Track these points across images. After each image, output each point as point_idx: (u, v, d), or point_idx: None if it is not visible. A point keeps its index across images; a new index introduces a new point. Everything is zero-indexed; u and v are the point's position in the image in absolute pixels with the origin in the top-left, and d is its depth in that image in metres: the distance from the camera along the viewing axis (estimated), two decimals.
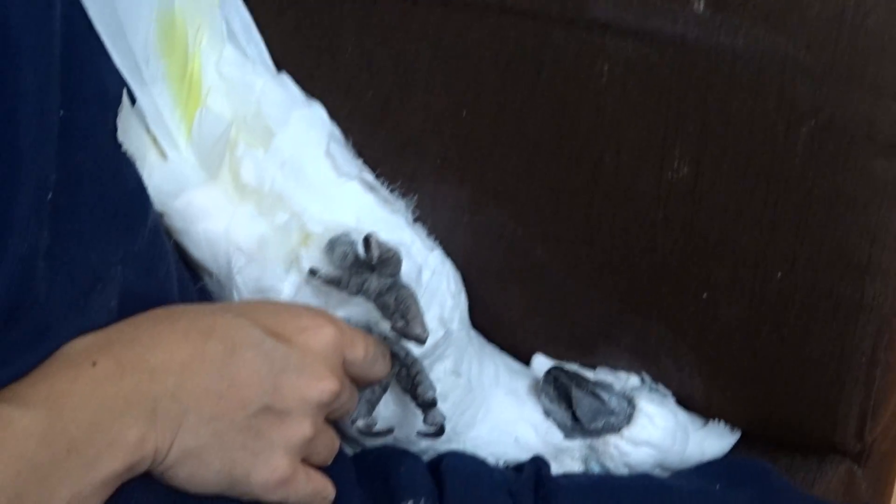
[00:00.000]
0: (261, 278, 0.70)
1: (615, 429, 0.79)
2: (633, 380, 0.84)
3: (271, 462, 0.59)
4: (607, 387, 0.80)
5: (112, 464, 0.52)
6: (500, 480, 0.74)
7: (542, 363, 0.84)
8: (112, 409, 0.53)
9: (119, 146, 0.63)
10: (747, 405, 0.83)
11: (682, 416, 0.83)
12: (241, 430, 0.57)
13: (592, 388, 0.79)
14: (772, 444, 0.84)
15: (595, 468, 0.81)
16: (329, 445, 0.65)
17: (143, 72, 0.66)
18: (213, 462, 0.57)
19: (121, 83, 0.64)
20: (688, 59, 0.70)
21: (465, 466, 0.76)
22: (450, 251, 0.79)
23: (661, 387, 0.84)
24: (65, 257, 0.56)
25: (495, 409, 0.80)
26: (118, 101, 0.62)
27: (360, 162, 0.78)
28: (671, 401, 0.83)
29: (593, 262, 0.79)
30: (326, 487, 0.64)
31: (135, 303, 0.60)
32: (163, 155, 0.68)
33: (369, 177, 0.77)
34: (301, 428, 0.60)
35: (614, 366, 0.85)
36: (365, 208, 0.74)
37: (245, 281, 0.70)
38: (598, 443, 0.80)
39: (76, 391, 0.52)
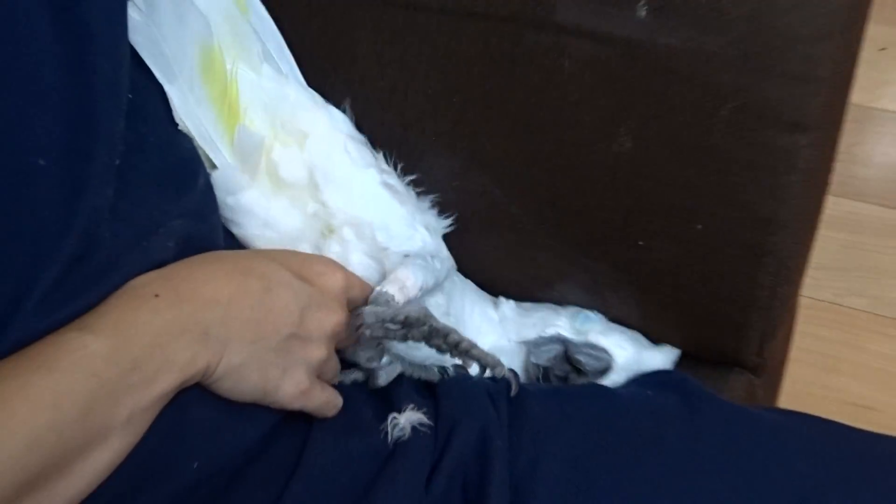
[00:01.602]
0: None
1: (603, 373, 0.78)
2: (583, 315, 0.82)
3: (295, 377, 0.57)
4: (590, 345, 0.79)
5: (169, 378, 0.50)
6: (481, 386, 0.71)
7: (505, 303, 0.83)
8: (170, 332, 0.50)
9: (174, 124, 0.61)
10: (673, 329, 0.81)
11: (638, 338, 0.81)
12: (274, 351, 0.56)
13: (586, 350, 0.78)
14: (691, 359, 0.82)
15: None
16: (334, 368, 0.63)
17: (189, 97, 0.63)
18: (252, 376, 0.55)
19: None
20: (633, 56, 0.67)
21: (453, 377, 0.73)
22: (443, 208, 0.78)
23: (601, 316, 0.82)
24: (129, 209, 0.53)
25: (476, 336, 0.78)
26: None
27: (374, 156, 0.75)
28: (617, 327, 0.81)
29: (555, 216, 0.77)
30: (336, 398, 0.62)
31: (190, 247, 0.57)
32: (213, 165, 0.65)
33: (383, 165, 0.75)
34: (319, 351, 0.59)
35: (570, 300, 0.82)
36: (380, 200, 0.72)
37: None
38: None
39: (140, 318, 0.50)
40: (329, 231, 0.69)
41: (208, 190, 0.63)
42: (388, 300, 0.64)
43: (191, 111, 0.63)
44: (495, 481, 0.62)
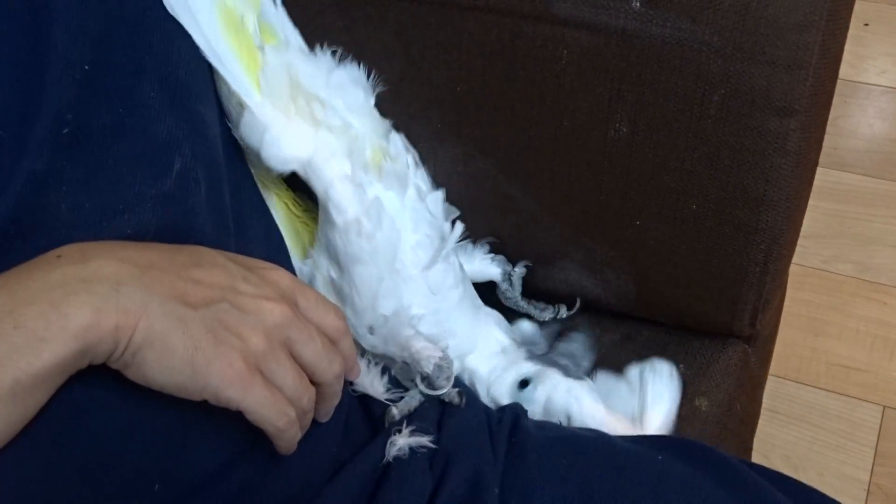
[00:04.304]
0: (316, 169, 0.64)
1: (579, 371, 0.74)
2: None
3: (230, 357, 0.45)
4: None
5: (63, 341, 0.40)
6: (483, 421, 0.65)
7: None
8: (66, 287, 0.41)
9: (150, 108, 0.52)
10: (669, 303, 0.80)
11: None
12: (204, 320, 0.45)
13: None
14: (687, 331, 0.82)
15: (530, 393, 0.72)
16: (291, 382, 0.49)
17: (218, 51, 0.59)
18: (178, 346, 0.44)
19: (159, 56, 0.55)
20: (627, 45, 0.66)
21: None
22: (448, 192, 0.76)
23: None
24: (99, 187, 0.48)
25: (471, 321, 0.73)
26: (156, 76, 0.53)
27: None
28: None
29: (555, 198, 0.76)
30: (287, 405, 0.49)
31: (164, 232, 0.50)
32: (243, 106, 0.61)
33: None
34: (257, 338, 0.47)
35: (571, 278, 0.82)
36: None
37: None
38: (549, 372, 0.72)
39: (32, 276, 0.41)
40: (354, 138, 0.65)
41: (185, 174, 0.53)
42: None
43: (221, 63, 0.60)
44: None
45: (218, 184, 0.58)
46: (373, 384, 0.65)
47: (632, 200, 0.73)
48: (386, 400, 0.64)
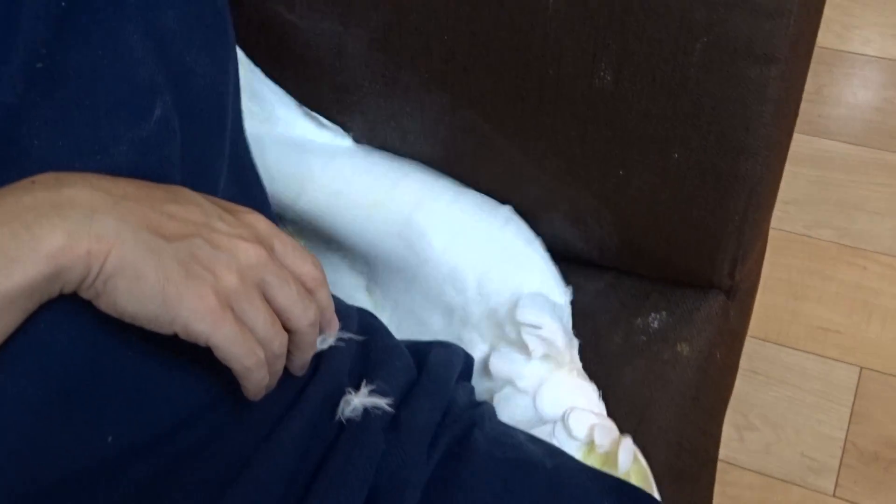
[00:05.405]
0: None
1: None
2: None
3: (201, 291, 0.44)
4: None
5: (34, 262, 0.39)
6: (435, 418, 0.61)
7: None
8: (39, 210, 0.40)
9: (133, 52, 0.50)
10: (650, 254, 0.81)
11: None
12: (177, 253, 0.44)
13: None
14: (668, 282, 0.83)
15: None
16: (263, 324, 0.48)
17: None
18: (149, 276, 0.43)
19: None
20: None
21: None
22: (435, 143, 0.77)
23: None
24: (76, 128, 0.47)
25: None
26: (141, 20, 0.51)
27: None
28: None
29: (540, 148, 0.76)
30: (257, 346, 0.47)
31: (137, 176, 0.49)
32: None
33: None
34: (230, 275, 0.46)
35: (556, 228, 0.82)
36: None
37: None
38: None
39: (7, 199, 0.41)
40: None
41: (164, 122, 0.52)
42: None
43: None
44: None
45: (204, 137, 0.56)
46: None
47: (616, 150, 0.73)
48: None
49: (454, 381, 0.65)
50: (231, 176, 0.60)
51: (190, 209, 0.47)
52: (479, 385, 0.72)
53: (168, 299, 0.43)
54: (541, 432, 0.66)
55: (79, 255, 0.40)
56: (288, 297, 0.49)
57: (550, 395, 0.67)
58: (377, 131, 0.82)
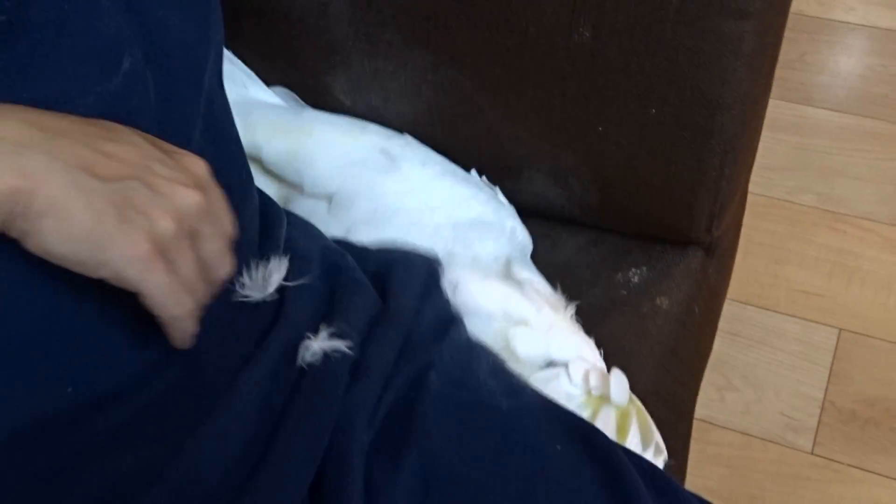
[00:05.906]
0: None
1: None
2: None
3: (134, 235, 0.42)
4: None
5: None
6: (387, 364, 0.58)
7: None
8: None
9: (99, 4, 0.48)
10: (629, 211, 0.82)
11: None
12: (111, 194, 0.42)
13: None
14: (648, 238, 0.84)
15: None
16: (191, 274, 0.46)
17: None
18: (79, 217, 0.40)
19: None
20: None
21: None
22: (418, 102, 0.77)
23: None
24: (42, 81, 0.45)
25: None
26: None
27: None
28: None
29: (521, 105, 0.77)
30: (185, 296, 0.45)
31: None
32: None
33: None
34: (165, 221, 0.43)
35: (537, 187, 0.83)
36: None
37: None
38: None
39: None
40: None
41: (133, 75, 0.49)
42: None
43: None
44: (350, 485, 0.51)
45: (176, 92, 0.54)
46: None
47: (595, 107, 0.74)
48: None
49: (416, 304, 0.63)
50: (207, 134, 0.60)
51: (128, 149, 0.44)
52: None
53: (98, 242, 0.41)
54: (545, 376, 0.67)
55: (3, 191, 0.38)
56: (215, 251, 0.48)
57: (559, 338, 0.69)
58: (361, 92, 0.83)
